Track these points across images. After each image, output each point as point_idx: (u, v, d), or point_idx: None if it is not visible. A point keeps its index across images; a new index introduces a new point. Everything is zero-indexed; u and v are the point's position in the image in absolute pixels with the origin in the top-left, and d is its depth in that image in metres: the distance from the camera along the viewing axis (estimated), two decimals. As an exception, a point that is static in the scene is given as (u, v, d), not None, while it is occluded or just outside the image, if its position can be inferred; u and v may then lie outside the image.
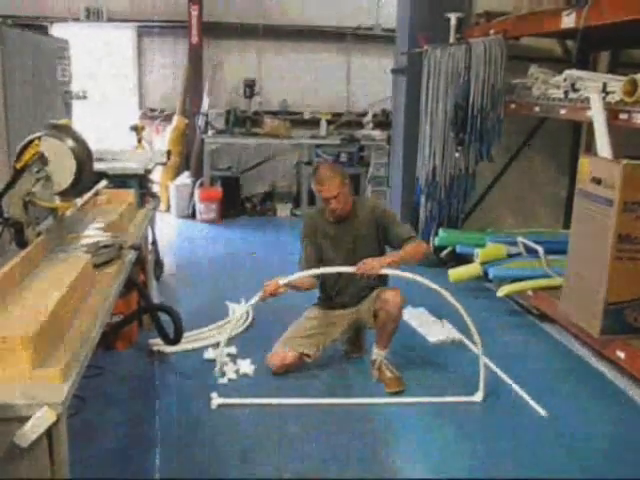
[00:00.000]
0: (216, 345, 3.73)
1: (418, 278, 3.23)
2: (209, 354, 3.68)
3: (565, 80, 4.26)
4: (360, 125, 8.11)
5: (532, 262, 4.60)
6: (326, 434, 2.95)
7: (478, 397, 3.27)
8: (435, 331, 4.11)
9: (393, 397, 3.29)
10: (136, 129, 6.07)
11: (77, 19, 7.40)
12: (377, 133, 7.83)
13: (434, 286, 3.22)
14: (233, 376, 3.44)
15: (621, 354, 3.49)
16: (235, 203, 7.67)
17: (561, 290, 3.97)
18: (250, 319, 4.22)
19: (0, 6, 6.76)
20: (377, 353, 3.49)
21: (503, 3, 5.27)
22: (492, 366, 3.60)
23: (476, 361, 3.32)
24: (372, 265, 3.24)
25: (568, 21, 4.01)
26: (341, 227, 3.53)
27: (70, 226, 2.88)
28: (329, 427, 3.01)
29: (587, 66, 5.18)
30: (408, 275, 3.27)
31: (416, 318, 4.31)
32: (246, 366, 3.54)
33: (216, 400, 3.14)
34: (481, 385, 3.28)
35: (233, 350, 3.68)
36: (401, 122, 5.84)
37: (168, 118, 7.83)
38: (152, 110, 7.93)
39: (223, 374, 3.42)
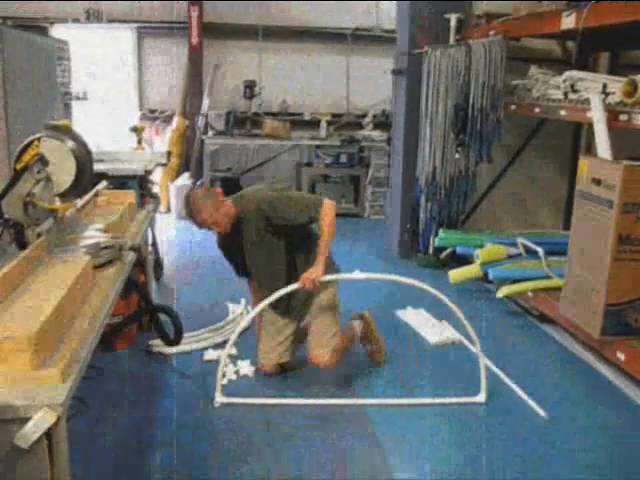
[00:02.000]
0: (216, 346, 3.75)
1: (400, 279, 3.30)
2: (210, 355, 3.68)
3: (565, 81, 4.26)
4: (360, 126, 8.12)
5: (532, 263, 4.60)
6: (327, 434, 2.94)
7: (481, 398, 3.27)
8: (435, 332, 4.11)
9: (395, 398, 3.29)
10: (136, 130, 6.08)
11: (77, 20, 7.41)
12: (377, 134, 7.84)
13: (426, 287, 3.24)
14: (233, 377, 3.44)
15: (621, 355, 3.49)
16: (235, 204, 7.65)
17: (561, 291, 3.97)
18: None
19: (0, 7, 6.77)
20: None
21: (503, 4, 5.27)
22: (492, 367, 3.60)
23: (476, 362, 3.32)
24: (312, 280, 3.13)
25: (568, 22, 4.01)
26: (236, 238, 3.33)
27: (70, 227, 2.88)
28: (330, 427, 3.01)
29: (587, 67, 5.18)
30: (392, 277, 3.39)
31: (416, 319, 4.31)
32: (246, 367, 3.54)
33: (219, 399, 3.14)
34: (483, 385, 3.28)
35: (233, 351, 3.67)
36: (401, 123, 5.84)
37: (168, 119, 7.84)
38: (152, 111, 7.93)
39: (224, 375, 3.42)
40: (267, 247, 3.30)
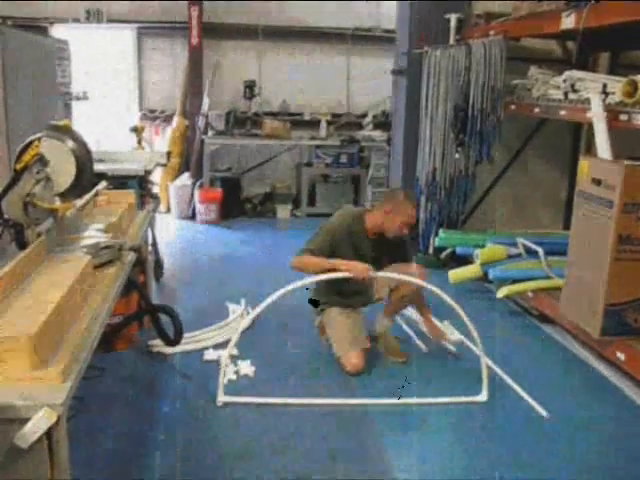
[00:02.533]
0: (217, 346, 3.75)
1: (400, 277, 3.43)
2: (210, 355, 3.68)
3: (565, 81, 4.26)
4: (360, 126, 8.11)
5: (532, 263, 4.60)
6: (328, 434, 2.95)
7: (483, 397, 3.27)
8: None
9: (396, 398, 3.28)
10: (136, 130, 6.08)
11: (77, 20, 7.40)
12: (377, 134, 7.83)
13: (424, 284, 3.31)
14: (233, 377, 3.44)
15: (621, 355, 3.49)
16: (235, 204, 7.66)
17: (561, 291, 3.97)
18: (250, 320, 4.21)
19: (0, 7, 6.76)
20: (384, 325, 3.80)
21: (503, 4, 5.27)
22: (493, 366, 3.61)
23: (478, 362, 3.32)
24: (441, 335, 3.87)
25: (568, 22, 4.01)
26: (372, 243, 3.74)
27: (70, 227, 2.88)
28: (331, 427, 3.01)
29: (587, 67, 5.18)
30: (406, 279, 3.41)
31: (418, 319, 4.30)
32: (246, 367, 3.54)
33: (221, 398, 3.14)
34: (484, 385, 3.28)
35: (234, 351, 3.67)
36: (401, 123, 5.84)
37: (168, 119, 7.83)
38: (152, 111, 7.93)
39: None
40: (373, 262, 3.59)
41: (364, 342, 3.66)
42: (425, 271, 3.70)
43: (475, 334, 3.26)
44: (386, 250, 3.76)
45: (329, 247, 3.63)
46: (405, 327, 4.20)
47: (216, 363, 3.48)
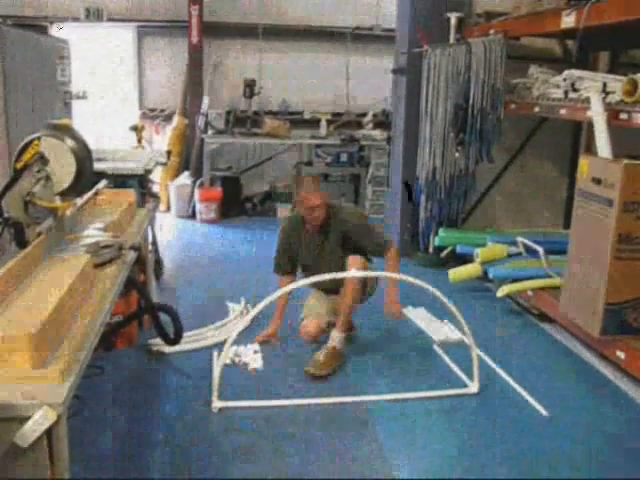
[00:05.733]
0: (217, 345, 3.76)
1: (404, 277, 3.42)
2: (212, 354, 3.68)
3: (565, 80, 4.26)
4: (360, 125, 8.11)
5: (532, 262, 4.60)
6: (326, 434, 2.94)
7: (474, 388, 3.30)
8: (439, 330, 4.12)
9: (394, 394, 3.29)
10: (136, 129, 6.07)
11: (77, 19, 7.40)
12: (377, 133, 7.83)
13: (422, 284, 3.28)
14: (234, 377, 3.43)
15: (621, 354, 3.49)
16: (235, 203, 7.66)
17: (561, 290, 3.97)
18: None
19: (0, 6, 6.76)
20: (334, 337, 3.64)
21: (503, 3, 5.27)
22: (493, 365, 3.61)
23: (479, 359, 3.32)
24: (396, 311, 3.70)
25: (568, 21, 4.01)
26: (314, 237, 3.81)
27: (70, 226, 2.88)
28: (329, 426, 3.01)
29: (587, 66, 5.17)
30: (399, 276, 3.49)
31: (418, 317, 4.31)
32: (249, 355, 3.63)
33: (216, 403, 3.13)
34: (475, 376, 3.32)
35: (232, 351, 3.67)
36: (401, 122, 5.83)
37: (168, 118, 7.83)
38: (152, 110, 7.92)
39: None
40: (330, 253, 3.75)
41: (320, 315, 3.75)
42: (361, 260, 3.63)
43: (462, 320, 3.29)
44: (340, 242, 3.74)
45: (288, 256, 3.89)
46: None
47: (217, 362, 3.48)
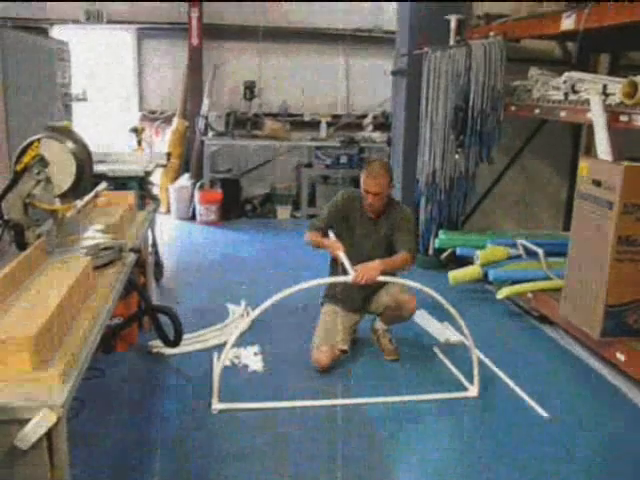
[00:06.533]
0: (217, 347, 3.75)
1: (408, 282, 3.43)
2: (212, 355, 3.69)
3: (565, 82, 4.26)
4: (360, 127, 8.11)
5: (532, 264, 4.60)
6: (326, 435, 2.94)
7: (473, 392, 3.29)
8: (442, 332, 4.12)
9: (394, 396, 3.29)
10: (136, 131, 6.06)
11: (77, 21, 7.40)
12: (377, 135, 7.83)
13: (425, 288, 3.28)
14: (234, 378, 3.43)
15: (621, 356, 3.49)
16: (235, 205, 7.67)
17: (561, 292, 3.97)
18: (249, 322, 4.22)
19: (0, 8, 6.77)
20: (380, 325, 3.82)
21: (503, 5, 5.27)
22: (493, 368, 3.61)
23: (481, 362, 3.32)
24: (369, 274, 3.33)
25: (568, 23, 4.01)
26: (368, 223, 3.73)
27: (70, 228, 2.87)
28: (329, 428, 3.00)
29: (587, 68, 5.18)
30: (400, 281, 3.49)
31: (419, 319, 4.30)
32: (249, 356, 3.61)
33: (216, 405, 3.13)
34: (475, 380, 3.31)
35: (232, 352, 3.67)
36: (401, 124, 5.84)
37: (168, 120, 7.83)
38: (152, 112, 7.93)
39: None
40: (377, 241, 3.69)
41: (336, 341, 3.62)
42: (415, 304, 3.67)
43: (462, 322, 3.29)
44: (390, 234, 3.69)
45: (330, 225, 3.76)
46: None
47: (217, 363, 3.48)
